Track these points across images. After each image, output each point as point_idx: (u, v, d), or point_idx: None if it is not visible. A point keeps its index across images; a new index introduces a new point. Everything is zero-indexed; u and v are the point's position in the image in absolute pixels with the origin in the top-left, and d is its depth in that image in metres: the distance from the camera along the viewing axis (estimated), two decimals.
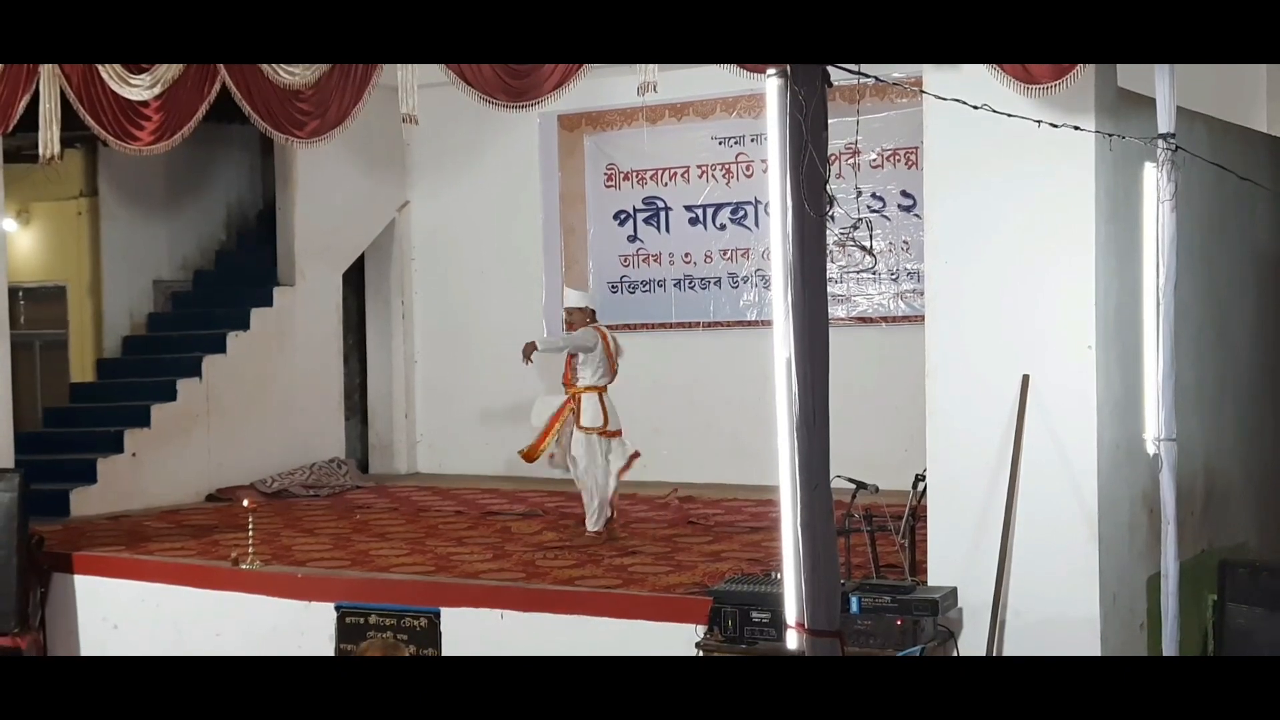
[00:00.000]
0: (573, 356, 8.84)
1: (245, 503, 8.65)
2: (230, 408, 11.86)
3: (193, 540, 9.37)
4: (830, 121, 4.47)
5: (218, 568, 8.40)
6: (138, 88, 8.08)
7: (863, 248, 4.75)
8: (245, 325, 12.13)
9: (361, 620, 7.62)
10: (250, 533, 8.32)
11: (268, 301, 12.31)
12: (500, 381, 12.28)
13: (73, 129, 8.57)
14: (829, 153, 4.48)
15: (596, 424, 8.80)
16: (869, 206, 10.80)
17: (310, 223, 12.44)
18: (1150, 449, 6.44)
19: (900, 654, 6.11)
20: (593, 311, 9.10)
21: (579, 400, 8.81)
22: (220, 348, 11.94)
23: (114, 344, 12.67)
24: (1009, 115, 5.78)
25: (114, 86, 8.12)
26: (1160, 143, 5.90)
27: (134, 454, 11.18)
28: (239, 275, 12.93)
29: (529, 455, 8.90)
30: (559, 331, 9.02)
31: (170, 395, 11.55)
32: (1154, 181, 6.18)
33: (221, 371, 11.87)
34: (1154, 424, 6.27)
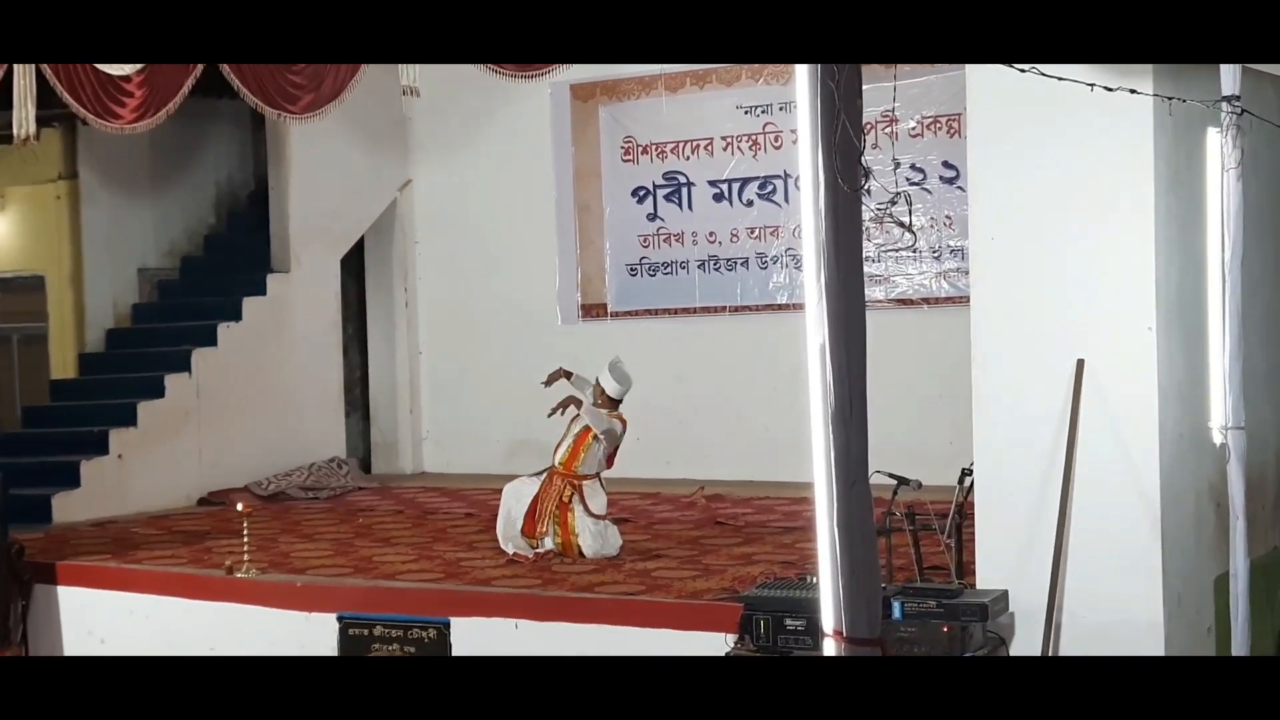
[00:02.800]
0: (584, 438, 8.62)
1: (240, 506, 8.67)
2: (222, 404, 11.90)
3: (184, 547, 9.41)
4: (865, 88, 4.45)
5: (211, 577, 8.43)
6: (118, 62, 8.11)
7: (901, 224, 4.71)
8: (237, 315, 12.17)
9: (366, 632, 7.65)
10: (245, 539, 8.34)
11: (261, 290, 12.35)
12: (512, 373, 12.30)
13: (50, 107, 8.59)
14: (864, 122, 4.46)
15: (604, 509, 8.67)
16: (908, 179, 10.77)
17: (306, 204, 12.47)
18: (1217, 438, 6.40)
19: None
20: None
21: (579, 487, 8.57)
22: (211, 340, 11.98)
23: (97, 337, 12.71)
24: (1059, 79, 5.75)
25: (97, 64, 8.15)
26: (1224, 105, 5.86)
27: (120, 455, 11.23)
28: (230, 261, 12.96)
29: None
30: (618, 384, 8.76)
31: (158, 392, 11.60)
32: (1218, 147, 6.14)
33: (213, 366, 11.91)
34: (1221, 411, 6.23)
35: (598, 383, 8.71)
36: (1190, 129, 6.53)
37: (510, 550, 8.59)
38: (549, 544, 8.53)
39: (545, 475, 8.70)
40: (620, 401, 8.75)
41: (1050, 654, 6.43)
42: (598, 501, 8.62)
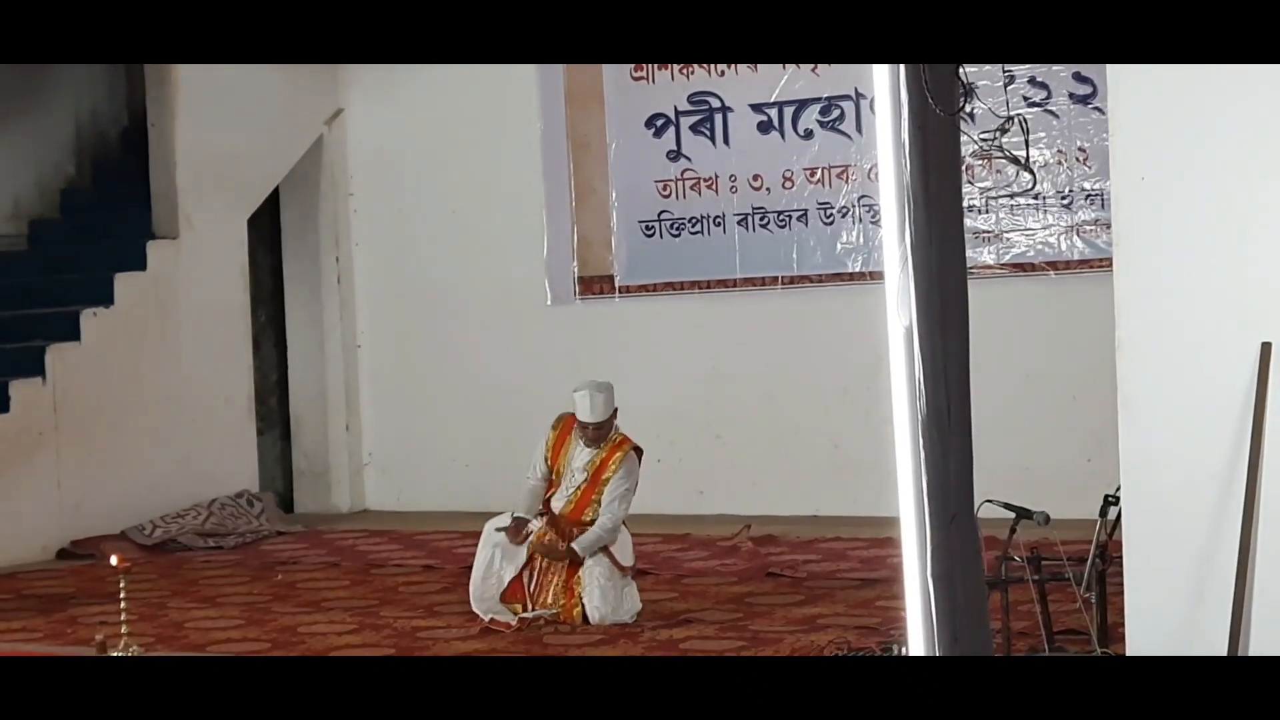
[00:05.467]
0: (590, 489, 8.71)
1: (114, 560, 8.68)
2: (89, 422, 11.94)
3: (40, 617, 9.45)
4: None
5: (77, 656, 8.45)
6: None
7: (1015, 160, 4.72)
8: (108, 299, 12.20)
9: None
10: (123, 604, 8.37)
11: (139, 263, 12.38)
12: (484, 374, 12.33)
13: None
14: None
15: (633, 559, 8.77)
16: (1026, 98, 10.75)
17: (199, 145, 12.50)
18: None
19: None
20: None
21: None
22: (72, 333, 12.02)
23: None
24: None
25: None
26: None
27: None
28: (97, 225, 13.01)
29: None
30: (590, 404, 8.81)
31: (1, 405, 11.64)
32: None
33: (74, 368, 11.95)
34: None
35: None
36: None
37: (486, 617, 8.61)
38: (542, 611, 8.55)
39: (541, 522, 8.74)
40: (612, 422, 8.78)
41: None
42: (625, 549, 8.66)
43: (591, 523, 8.67)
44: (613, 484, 8.68)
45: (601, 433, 8.76)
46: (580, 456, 8.76)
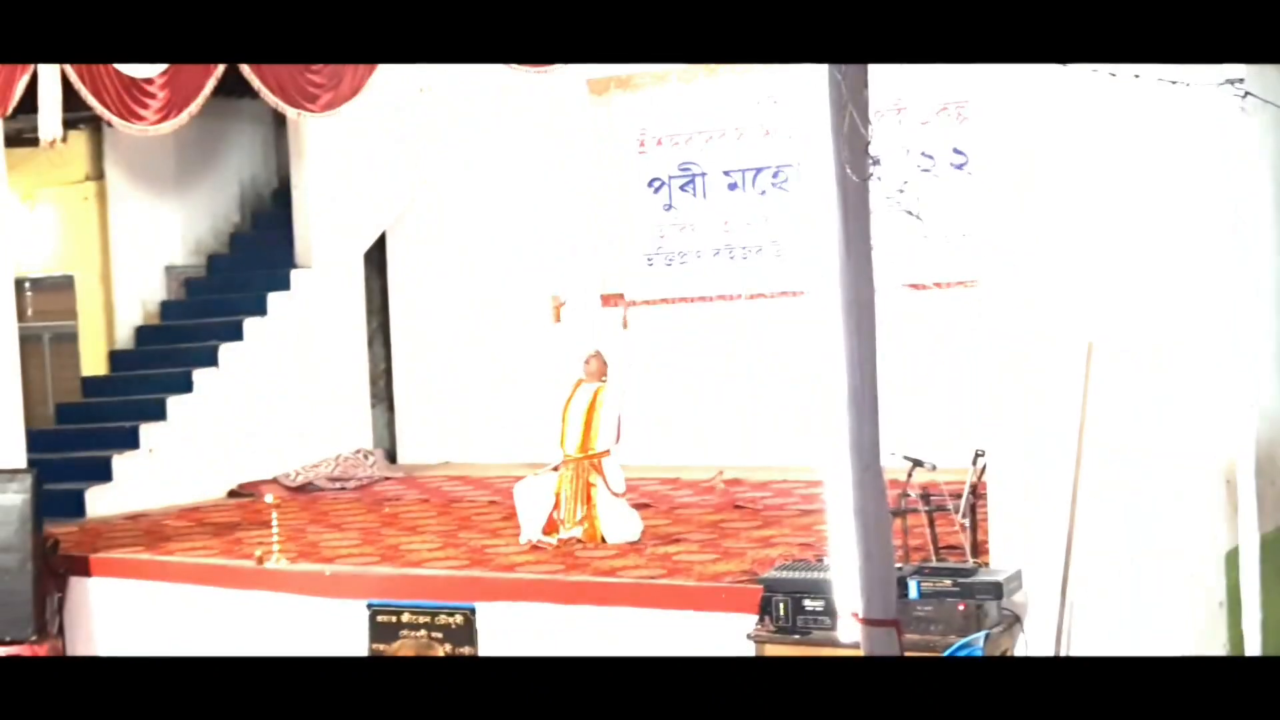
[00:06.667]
0: (591, 414, 8.69)
1: (269, 498, 8.74)
2: (250, 398, 11.95)
3: (215, 539, 9.45)
4: (873, 71, 4.44)
5: (242, 567, 8.47)
6: (141, 65, 8.14)
7: (908, 212, 4.71)
8: (263, 311, 12.22)
9: (394, 619, 7.68)
10: (275, 529, 8.40)
11: (285, 285, 12.40)
12: (533, 363, 12.29)
13: (75, 110, 8.63)
14: (871, 110, 4.45)
15: (624, 486, 8.70)
16: (918, 165, 10.75)
17: (327, 201, 12.51)
18: (1227, 415, 6.37)
19: (949, 652, 6.06)
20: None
21: (599, 466, 8.63)
22: (238, 335, 12.03)
23: (126, 335, 12.77)
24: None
25: (116, 64, 8.18)
26: (1229, 89, 5.82)
27: (151, 449, 11.29)
28: (255, 258, 13.01)
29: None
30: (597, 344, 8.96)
31: (187, 387, 11.66)
32: (1222, 127, 6.10)
33: (240, 360, 11.96)
34: (1229, 387, 6.20)
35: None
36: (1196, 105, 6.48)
37: (536, 539, 8.58)
38: (573, 532, 8.54)
39: (560, 470, 8.71)
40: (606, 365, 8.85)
41: (1065, 630, 6.42)
42: (618, 479, 8.65)
43: (599, 452, 8.62)
44: (609, 392, 8.69)
45: (602, 365, 8.77)
46: (579, 402, 8.74)
